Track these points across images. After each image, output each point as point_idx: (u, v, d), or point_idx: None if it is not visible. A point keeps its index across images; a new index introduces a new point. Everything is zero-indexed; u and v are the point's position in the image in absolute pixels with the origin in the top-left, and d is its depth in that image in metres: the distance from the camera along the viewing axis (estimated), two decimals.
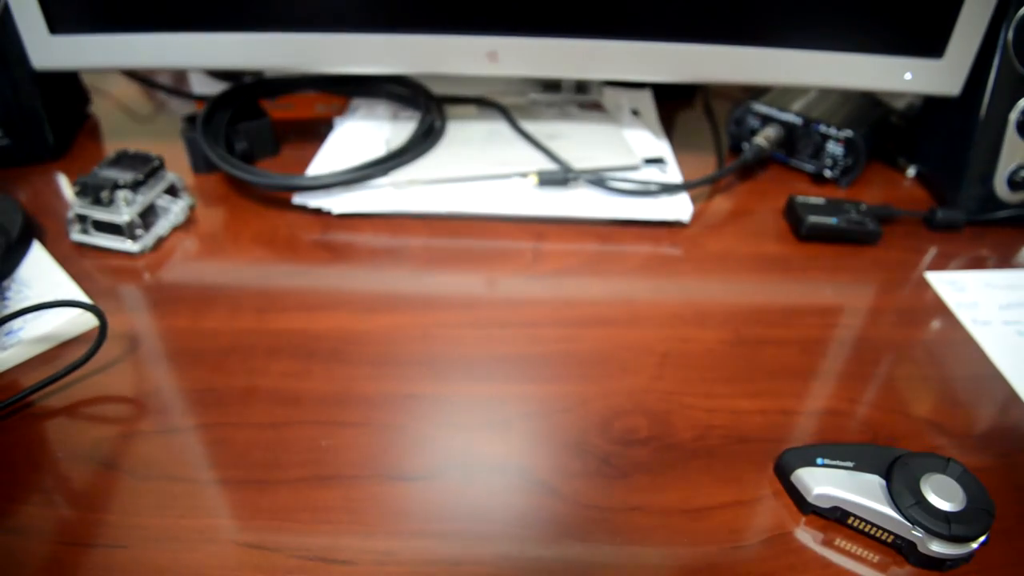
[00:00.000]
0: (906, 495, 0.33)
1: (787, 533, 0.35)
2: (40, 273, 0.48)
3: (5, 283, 0.47)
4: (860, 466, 0.35)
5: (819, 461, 0.35)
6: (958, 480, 0.34)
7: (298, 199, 0.56)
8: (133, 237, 0.51)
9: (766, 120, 0.64)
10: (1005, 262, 0.55)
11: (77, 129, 0.67)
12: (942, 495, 0.33)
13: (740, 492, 0.36)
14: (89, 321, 0.44)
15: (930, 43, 0.56)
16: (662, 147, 0.64)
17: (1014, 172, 0.57)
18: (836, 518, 0.35)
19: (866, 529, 0.34)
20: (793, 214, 0.57)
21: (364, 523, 0.34)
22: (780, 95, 0.65)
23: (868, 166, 0.65)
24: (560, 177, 0.57)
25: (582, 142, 0.63)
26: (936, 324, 0.49)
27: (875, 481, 0.34)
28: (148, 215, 0.52)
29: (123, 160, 0.53)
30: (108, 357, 0.42)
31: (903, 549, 0.33)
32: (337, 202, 0.55)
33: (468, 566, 0.32)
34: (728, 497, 0.36)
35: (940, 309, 0.50)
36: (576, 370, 0.43)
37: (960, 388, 0.44)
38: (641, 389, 0.42)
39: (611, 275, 0.51)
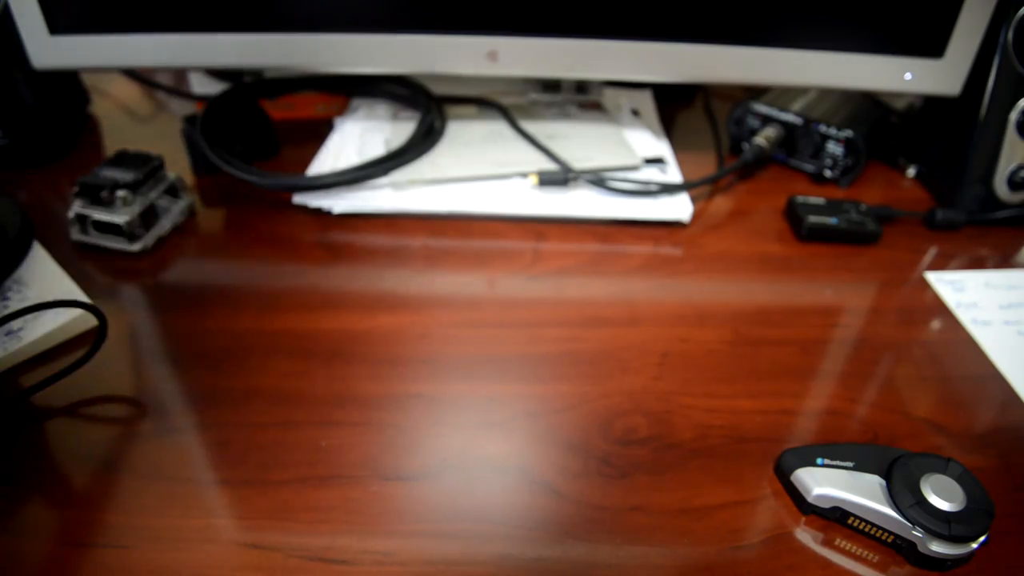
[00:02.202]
0: (906, 495, 0.33)
1: (787, 533, 0.35)
2: (40, 273, 0.48)
3: (5, 283, 0.47)
4: (860, 466, 0.35)
5: (819, 461, 0.35)
6: (958, 480, 0.34)
7: (298, 199, 0.56)
8: (133, 237, 0.51)
9: (766, 120, 0.64)
10: (1005, 262, 0.55)
11: (77, 129, 0.67)
12: (942, 495, 0.33)
13: (740, 492, 0.36)
14: (89, 321, 0.44)
15: (930, 43, 0.56)
16: (662, 147, 0.64)
17: (1014, 172, 0.56)
18: (836, 518, 0.35)
19: (866, 529, 0.34)
20: (793, 214, 0.57)
21: (364, 523, 0.34)
22: (780, 95, 0.65)
23: (868, 166, 0.65)
24: (560, 177, 0.57)
25: (582, 142, 0.63)
26: (936, 324, 0.49)
27: (875, 481, 0.34)
28: (148, 215, 0.52)
29: (123, 160, 0.53)
30: (108, 357, 0.42)
31: (903, 549, 0.33)
32: (337, 202, 0.55)
33: (468, 566, 0.32)
34: (728, 497, 0.36)
35: (940, 309, 0.50)
36: (576, 370, 0.43)
37: (960, 388, 0.44)
38: (641, 389, 0.42)
39: (611, 275, 0.51)
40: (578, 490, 0.36)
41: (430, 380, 0.42)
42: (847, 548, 0.34)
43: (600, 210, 0.56)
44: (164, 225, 0.53)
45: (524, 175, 0.58)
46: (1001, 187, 0.57)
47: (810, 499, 0.35)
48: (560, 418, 0.40)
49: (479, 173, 0.58)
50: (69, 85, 0.67)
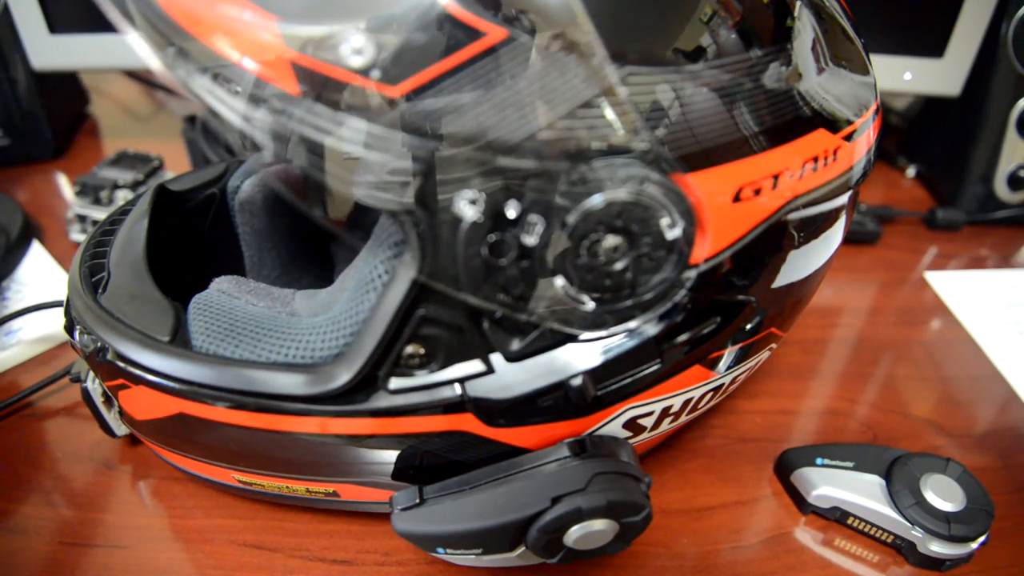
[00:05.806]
0: (906, 495, 0.33)
1: (787, 533, 0.35)
2: (40, 273, 0.48)
3: (5, 283, 0.47)
4: (860, 466, 0.35)
5: (819, 461, 0.35)
6: (958, 480, 0.34)
7: None
8: None
9: None
10: (1005, 262, 0.55)
11: (77, 129, 0.67)
12: (942, 495, 0.33)
13: (740, 492, 0.36)
14: None
15: (930, 43, 0.56)
16: None
17: (1014, 172, 0.56)
18: (836, 518, 0.35)
19: (866, 529, 0.34)
20: None
21: (364, 523, 0.34)
22: None
23: None
24: None
25: None
26: (936, 324, 0.49)
27: (875, 481, 0.34)
28: None
29: (123, 160, 0.53)
30: None
31: (903, 549, 0.33)
32: None
33: (467, 567, 0.32)
34: (728, 497, 0.36)
35: (940, 309, 0.50)
36: None
37: (960, 388, 0.44)
38: None
39: None
40: None
41: None
42: (847, 548, 0.34)
43: None
44: None
45: None
46: (1001, 187, 0.57)
47: (810, 499, 0.35)
48: None
49: None
50: (69, 85, 0.67)
